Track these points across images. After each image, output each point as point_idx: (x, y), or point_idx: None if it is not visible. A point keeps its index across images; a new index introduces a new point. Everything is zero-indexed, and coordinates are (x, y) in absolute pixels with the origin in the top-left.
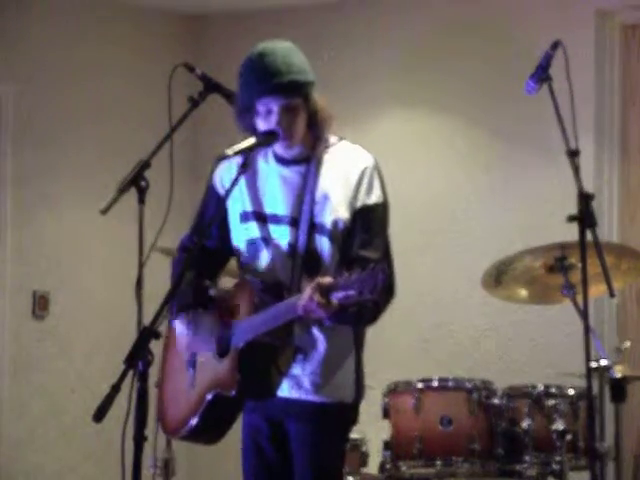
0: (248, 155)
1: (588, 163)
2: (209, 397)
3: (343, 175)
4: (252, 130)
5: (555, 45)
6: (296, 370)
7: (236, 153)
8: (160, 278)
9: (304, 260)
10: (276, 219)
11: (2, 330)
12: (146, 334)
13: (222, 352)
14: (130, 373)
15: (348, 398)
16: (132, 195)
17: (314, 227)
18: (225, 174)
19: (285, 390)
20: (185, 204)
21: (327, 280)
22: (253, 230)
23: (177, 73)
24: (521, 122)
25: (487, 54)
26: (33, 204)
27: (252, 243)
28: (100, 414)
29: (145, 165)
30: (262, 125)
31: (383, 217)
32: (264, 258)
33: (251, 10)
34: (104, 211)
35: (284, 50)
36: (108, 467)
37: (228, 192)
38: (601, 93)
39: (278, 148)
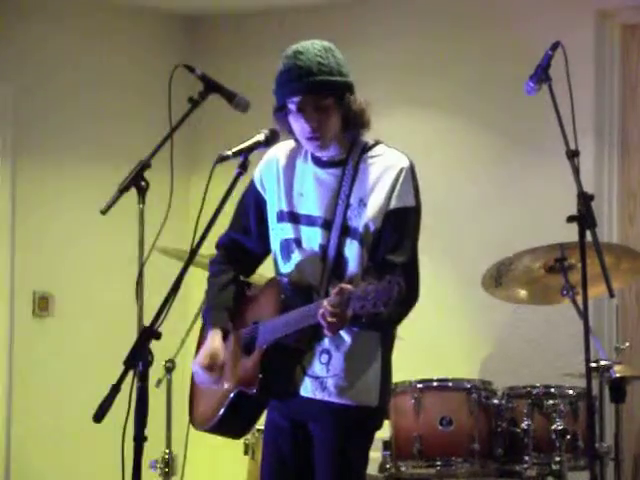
0: (248, 155)
1: (588, 163)
2: (232, 394)
3: (378, 179)
4: (288, 129)
5: (555, 45)
6: (321, 371)
7: (235, 153)
8: (160, 278)
9: (334, 264)
10: (309, 220)
11: (2, 330)
12: (146, 334)
13: (248, 350)
14: (130, 373)
15: (373, 402)
16: (132, 195)
17: (346, 231)
18: (265, 172)
19: (309, 391)
20: (185, 204)
21: (347, 289)
22: (287, 230)
23: (177, 73)
24: (521, 122)
25: (487, 54)
26: (33, 204)
27: (286, 243)
28: (100, 414)
29: (145, 165)
30: (294, 124)
31: (414, 221)
32: (295, 259)
33: (251, 10)
34: (104, 211)
35: (318, 49)
36: (108, 467)
37: (228, 192)
38: (601, 93)
39: (312, 149)
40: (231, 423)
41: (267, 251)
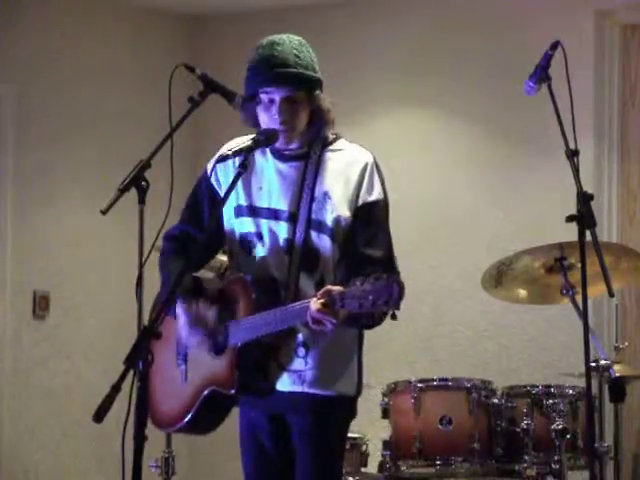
0: (247, 155)
1: (588, 163)
2: (205, 393)
3: (343, 173)
4: (253, 120)
5: (555, 45)
6: (298, 365)
7: (235, 153)
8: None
9: (302, 257)
10: (272, 214)
11: (2, 330)
12: (146, 334)
13: (217, 349)
14: (130, 373)
15: (350, 391)
16: (132, 195)
17: (312, 224)
18: (220, 168)
19: (287, 384)
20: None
21: (337, 289)
22: (247, 225)
23: (177, 73)
24: (521, 122)
25: (487, 54)
26: (33, 204)
27: (245, 238)
28: (100, 414)
29: (145, 165)
30: (262, 115)
31: (384, 213)
32: (257, 253)
33: (251, 10)
34: (104, 211)
35: (295, 43)
36: (108, 467)
37: (227, 193)
38: (600, 93)
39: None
40: (201, 422)
41: (218, 245)
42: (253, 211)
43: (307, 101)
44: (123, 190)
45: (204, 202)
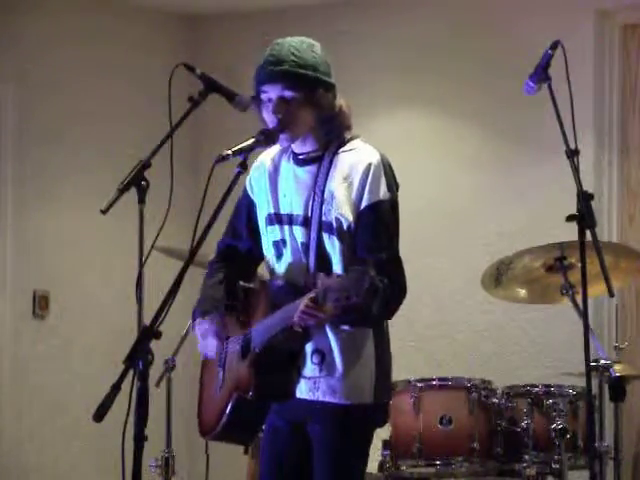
0: (247, 155)
1: (588, 163)
2: (232, 399)
3: (348, 175)
4: (262, 117)
5: (555, 45)
6: (313, 372)
7: (235, 153)
8: (160, 278)
9: (316, 260)
10: (291, 219)
11: (2, 330)
12: (146, 334)
13: (244, 354)
14: (130, 373)
15: (367, 399)
16: (132, 195)
17: (324, 226)
18: (254, 176)
19: (304, 392)
20: (185, 204)
21: (322, 285)
22: (276, 232)
23: (177, 73)
24: (521, 122)
25: (486, 54)
26: (33, 204)
27: (276, 245)
28: (100, 414)
29: (145, 165)
30: (265, 113)
31: (389, 214)
32: (284, 259)
33: (251, 10)
34: (104, 211)
35: (297, 43)
36: (108, 467)
37: (225, 195)
38: (601, 93)
39: (280, 142)
40: (235, 429)
41: (261, 254)
42: (278, 218)
43: (307, 101)
44: (123, 190)
45: (242, 212)
